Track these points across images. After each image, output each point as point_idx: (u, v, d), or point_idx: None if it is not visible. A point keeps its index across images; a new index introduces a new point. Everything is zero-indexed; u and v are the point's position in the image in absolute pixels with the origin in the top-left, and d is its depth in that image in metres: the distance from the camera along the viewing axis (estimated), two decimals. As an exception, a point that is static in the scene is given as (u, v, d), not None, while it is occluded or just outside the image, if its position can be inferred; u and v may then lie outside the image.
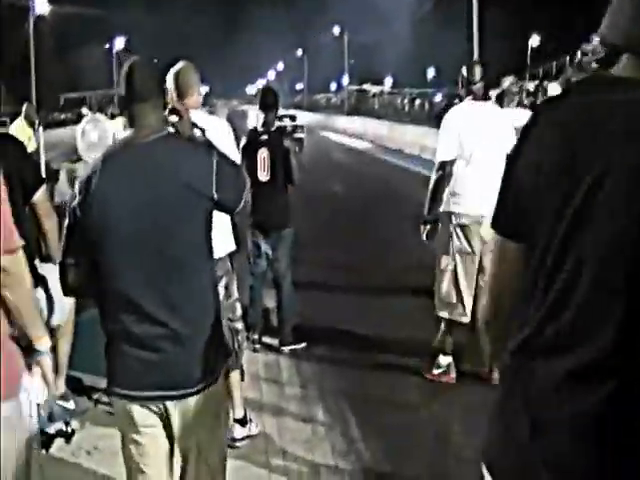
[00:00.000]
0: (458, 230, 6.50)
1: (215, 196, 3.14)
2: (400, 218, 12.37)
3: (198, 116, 4.73)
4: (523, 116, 8.70)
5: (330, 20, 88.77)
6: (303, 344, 7.50)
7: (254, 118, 20.50)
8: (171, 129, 3.41)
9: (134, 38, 73.78)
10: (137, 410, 3.22)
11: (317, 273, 10.09)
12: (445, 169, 6.50)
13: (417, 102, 60.50)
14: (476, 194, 6.34)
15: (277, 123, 7.56)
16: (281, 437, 5.60)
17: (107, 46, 72.66)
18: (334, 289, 9.65)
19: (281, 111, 39.36)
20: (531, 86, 37.91)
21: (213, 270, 3.40)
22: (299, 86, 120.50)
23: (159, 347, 3.13)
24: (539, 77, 54.59)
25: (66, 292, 3.38)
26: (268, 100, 7.42)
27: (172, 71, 5.10)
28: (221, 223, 4.69)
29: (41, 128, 13.03)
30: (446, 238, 6.57)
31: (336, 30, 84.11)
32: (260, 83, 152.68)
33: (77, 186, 3.17)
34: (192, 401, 3.20)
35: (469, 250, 6.48)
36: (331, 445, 5.47)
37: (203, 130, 4.46)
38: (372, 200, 17.73)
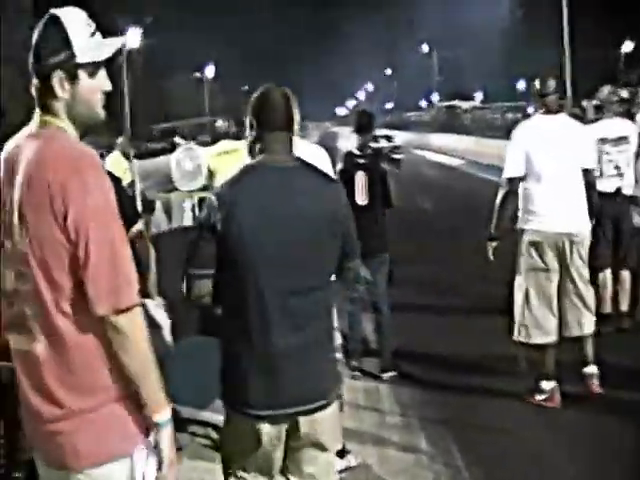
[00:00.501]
0: (531, 247, 6.39)
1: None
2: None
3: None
4: (622, 125, 8.44)
5: (418, 38, 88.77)
6: (401, 370, 7.35)
7: (346, 140, 20.50)
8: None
9: (224, 65, 74.90)
10: (267, 429, 3.22)
11: (410, 294, 9.87)
12: (512, 186, 6.44)
13: (509, 116, 59.83)
14: (548, 210, 6.29)
15: (373, 145, 7.49)
16: (382, 467, 5.49)
17: (197, 74, 73.73)
18: (426, 310, 9.50)
19: (376, 131, 39.10)
20: (625, 93, 37.28)
21: (332, 294, 3.51)
22: (389, 105, 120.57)
23: (287, 365, 3.21)
24: (633, 84, 53.56)
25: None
26: (363, 122, 7.35)
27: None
28: None
29: (135, 160, 13.17)
30: (518, 257, 6.48)
31: (424, 47, 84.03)
32: (350, 104, 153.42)
33: (211, 202, 3.26)
34: (320, 415, 3.26)
35: (543, 267, 6.36)
36: (434, 475, 5.33)
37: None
38: (462, 216, 17.44)
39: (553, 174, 6.29)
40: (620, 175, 8.24)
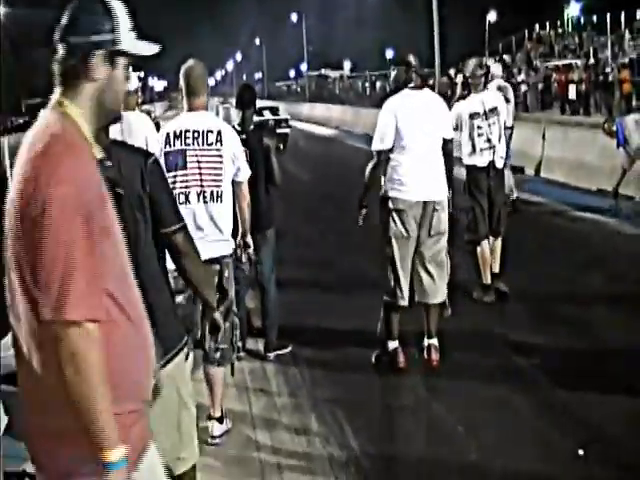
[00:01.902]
0: (394, 215, 6.62)
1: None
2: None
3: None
4: (490, 97, 8.60)
5: (287, 7, 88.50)
6: (289, 348, 7.34)
7: (214, 111, 20.29)
8: None
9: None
10: None
11: (293, 270, 9.74)
12: (380, 157, 6.69)
13: (378, 84, 60.37)
14: (412, 180, 6.57)
15: (256, 117, 7.39)
16: (275, 451, 5.43)
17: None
18: (310, 286, 9.50)
19: (261, 103, 38.08)
20: (491, 62, 38.13)
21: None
22: (258, 75, 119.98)
23: None
24: (499, 53, 54.75)
25: None
26: (245, 97, 7.20)
27: (183, 69, 5.54)
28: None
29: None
30: (383, 223, 6.74)
31: (294, 17, 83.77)
32: (219, 74, 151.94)
33: None
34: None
35: (404, 234, 6.62)
36: (328, 456, 5.32)
37: None
38: (342, 187, 17.46)
39: (417, 146, 6.59)
40: (492, 148, 8.43)
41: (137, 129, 6.47)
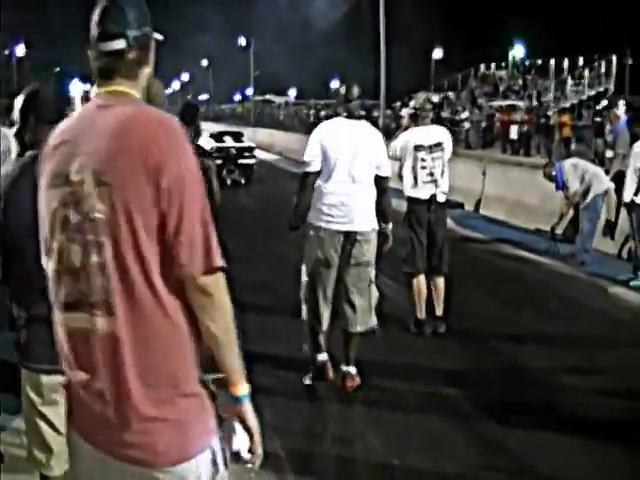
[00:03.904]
0: (316, 241, 6.65)
1: None
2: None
3: None
4: (437, 132, 8.61)
5: (236, 31, 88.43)
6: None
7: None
8: None
9: (36, 45, 72.26)
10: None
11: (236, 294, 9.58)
12: (308, 180, 6.65)
13: (322, 113, 60.61)
14: (335, 208, 6.56)
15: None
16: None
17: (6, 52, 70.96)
18: (247, 309, 9.36)
19: (220, 127, 36.50)
20: (435, 98, 38.48)
21: None
22: (204, 97, 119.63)
23: None
24: (444, 89, 55.33)
25: None
26: (187, 115, 7.08)
27: None
28: None
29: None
30: (305, 248, 6.78)
31: (242, 41, 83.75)
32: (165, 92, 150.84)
33: None
34: None
35: (324, 261, 6.64)
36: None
37: None
38: (282, 212, 17.35)
39: (342, 175, 6.56)
40: (434, 182, 8.41)
41: None
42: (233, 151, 25.56)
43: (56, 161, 2.55)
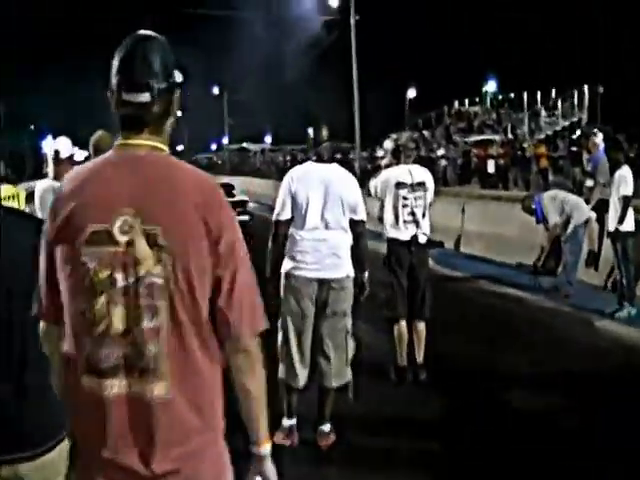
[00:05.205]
0: (290, 291, 6.31)
1: None
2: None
3: None
4: (420, 171, 8.29)
5: (209, 80, 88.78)
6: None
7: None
8: None
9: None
10: None
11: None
12: (279, 229, 6.37)
13: (299, 158, 60.65)
14: (308, 256, 6.25)
15: None
16: None
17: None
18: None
19: (217, 180, 36.34)
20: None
21: None
22: (179, 147, 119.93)
23: None
24: (419, 128, 55.51)
25: None
26: None
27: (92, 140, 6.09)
28: None
29: None
30: (282, 299, 6.40)
31: (215, 90, 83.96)
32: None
33: None
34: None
35: (299, 312, 6.29)
36: None
37: None
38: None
39: (314, 220, 6.26)
40: (416, 222, 8.05)
41: None
42: None
43: (87, 216, 2.42)
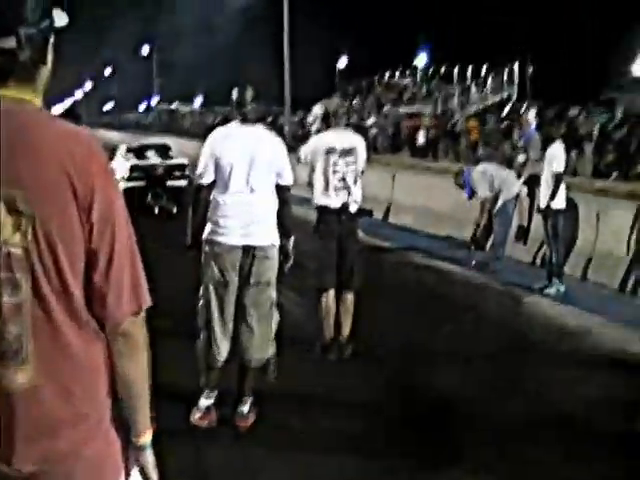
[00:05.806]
0: (212, 259, 6.00)
1: None
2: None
3: None
4: (350, 137, 8.08)
5: (139, 39, 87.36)
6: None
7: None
8: None
9: None
10: None
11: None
12: (200, 193, 6.12)
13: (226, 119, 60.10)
14: (230, 222, 5.96)
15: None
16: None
17: None
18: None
19: (126, 136, 34.54)
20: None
21: None
22: (109, 106, 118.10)
23: None
24: (350, 95, 55.38)
25: None
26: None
27: None
28: None
29: None
30: (202, 267, 6.12)
31: (145, 49, 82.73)
32: (68, 102, 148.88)
33: None
34: None
35: (222, 281, 5.99)
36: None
37: None
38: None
39: (238, 185, 5.97)
40: (347, 188, 7.78)
41: None
42: (160, 170, 20.40)
43: None
